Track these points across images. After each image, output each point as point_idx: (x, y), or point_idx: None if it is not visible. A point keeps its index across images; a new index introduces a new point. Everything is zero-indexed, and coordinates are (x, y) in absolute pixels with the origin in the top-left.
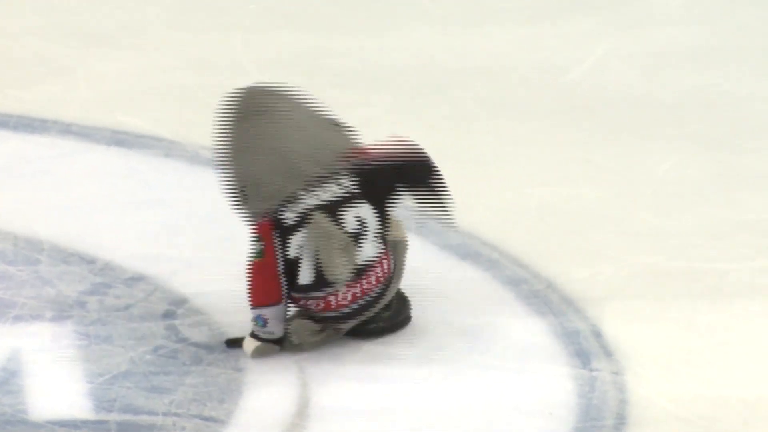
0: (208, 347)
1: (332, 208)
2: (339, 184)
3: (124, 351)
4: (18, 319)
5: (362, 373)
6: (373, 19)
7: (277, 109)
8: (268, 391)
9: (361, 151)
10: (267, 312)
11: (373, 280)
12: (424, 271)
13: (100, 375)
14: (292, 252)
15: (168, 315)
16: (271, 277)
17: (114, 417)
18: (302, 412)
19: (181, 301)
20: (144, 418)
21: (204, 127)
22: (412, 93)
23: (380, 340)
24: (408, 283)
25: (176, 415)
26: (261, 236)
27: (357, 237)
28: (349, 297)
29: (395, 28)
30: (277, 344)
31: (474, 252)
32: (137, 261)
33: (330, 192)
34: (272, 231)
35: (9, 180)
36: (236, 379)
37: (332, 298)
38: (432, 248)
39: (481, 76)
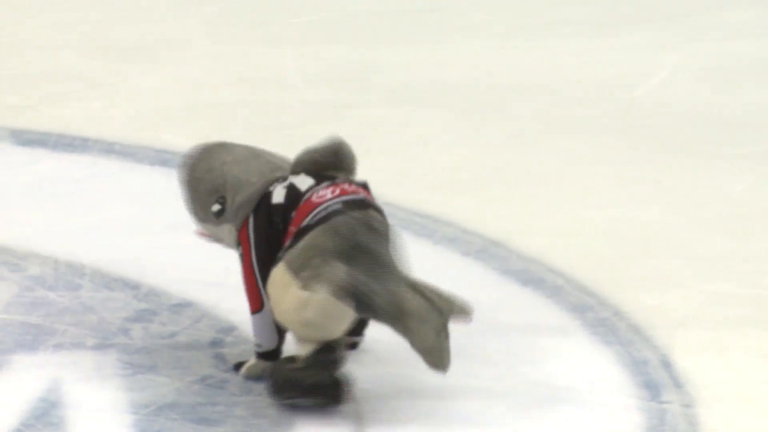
0: (258, 377)
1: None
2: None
3: (169, 381)
4: (59, 347)
5: (420, 406)
6: (427, 32)
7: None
8: (321, 424)
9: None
10: (252, 321)
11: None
12: (485, 297)
13: (144, 406)
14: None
15: (216, 343)
16: (250, 284)
17: None
18: None
19: (229, 329)
20: None
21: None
22: (470, 110)
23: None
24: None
25: None
26: (241, 242)
27: None
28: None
29: (450, 42)
30: (268, 359)
31: (537, 278)
32: (183, 286)
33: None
34: (248, 240)
35: (49, 201)
36: (287, 411)
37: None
38: (493, 274)
39: (542, 92)
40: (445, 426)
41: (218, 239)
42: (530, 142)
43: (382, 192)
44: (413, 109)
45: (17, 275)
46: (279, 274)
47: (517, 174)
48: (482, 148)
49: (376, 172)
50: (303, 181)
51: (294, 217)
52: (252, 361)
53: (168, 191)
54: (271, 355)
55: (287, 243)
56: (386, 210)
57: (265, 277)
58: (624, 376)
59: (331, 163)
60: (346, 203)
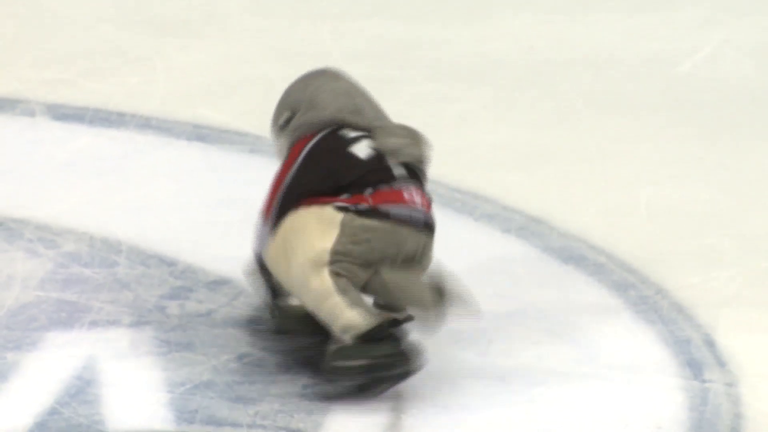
0: (296, 355)
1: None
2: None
3: (206, 359)
4: (94, 324)
5: (458, 384)
6: (470, 6)
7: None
8: (358, 403)
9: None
10: (257, 227)
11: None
12: (526, 275)
13: (181, 384)
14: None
15: (253, 321)
16: (272, 195)
17: (196, 429)
18: (394, 424)
19: (266, 306)
20: (227, 430)
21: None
22: (512, 86)
23: (478, 350)
24: (508, 289)
25: (262, 426)
26: (289, 154)
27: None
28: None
29: (493, 17)
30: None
31: (579, 255)
32: (220, 263)
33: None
34: (298, 155)
35: (85, 177)
36: (325, 390)
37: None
38: (533, 251)
39: (586, 68)
40: (488, 404)
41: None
42: (573, 118)
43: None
44: (455, 85)
45: (52, 252)
46: (319, 248)
47: (559, 151)
48: (524, 125)
49: None
50: (397, 168)
51: (377, 191)
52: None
53: (205, 167)
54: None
55: (358, 205)
56: (427, 186)
57: (289, 198)
58: (666, 355)
59: (420, 161)
60: (426, 220)
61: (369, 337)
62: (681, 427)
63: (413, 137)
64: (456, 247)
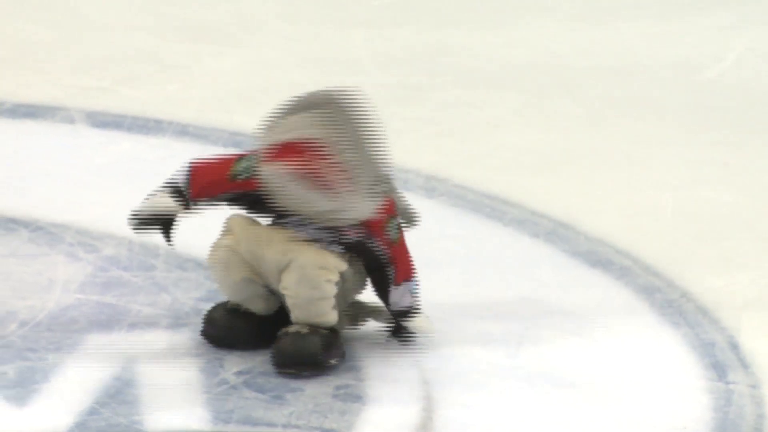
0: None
1: None
2: None
3: (241, 360)
4: (133, 327)
5: (487, 386)
6: (498, 14)
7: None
8: (391, 404)
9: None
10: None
11: None
12: (554, 279)
13: (217, 385)
14: None
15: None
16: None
17: (232, 428)
18: (426, 425)
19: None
20: (263, 430)
21: None
22: (539, 92)
23: (507, 351)
24: (537, 292)
25: (296, 426)
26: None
27: None
28: None
29: (520, 24)
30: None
31: (605, 259)
32: None
33: None
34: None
35: (124, 182)
36: (358, 390)
37: None
38: (561, 255)
39: (612, 74)
40: (517, 404)
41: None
42: (599, 123)
43: (452, 174)
44: (483, 91)
45: (92, 256)
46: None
47: (586, 155)
48: (551, 130)
49: (447, 154)
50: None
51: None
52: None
53: None
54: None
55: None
56: (456, 192)
57: None
58: (691, 357)
59: None
60: None
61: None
62: (705, 428)
63: None
64: (485, 252)
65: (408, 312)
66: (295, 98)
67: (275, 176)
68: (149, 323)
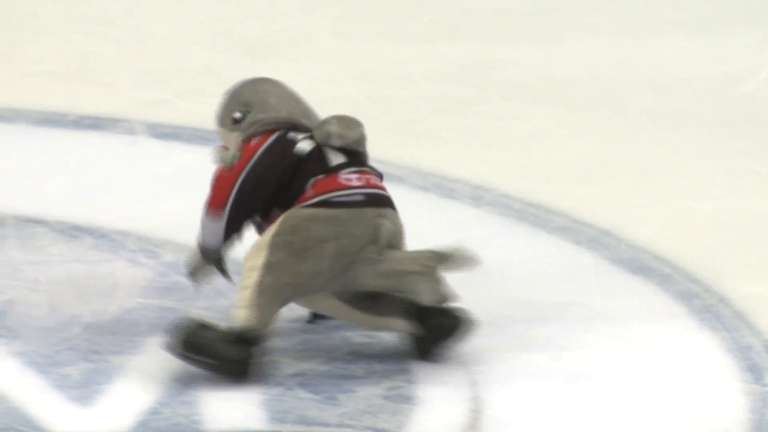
0: (381, 359)
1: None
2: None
3: (297, 362)
4: None
5: (534, 388)
6: (543, 30)
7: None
8: (440, 404)
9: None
10: (206, 222)
11: (379, 183)
12: (596, 285)
13: (274, 386)
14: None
15: (343, 327)
16: (224, 186)
17: (287, 428)
18: (473, 425)
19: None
20: (317, 429)
21: (374, 138)
22: (582, 105)
23: (551, 355)
24: (580, 298)
25: (349, 426)
26: (243, 151)
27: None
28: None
29: (564, 40)
30: (210, 259)
31: (646, 266)
32: None
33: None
34: (254, 153)
35: (183, 191)
36: (409, 391)
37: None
38: (603, 262)
39: (651, 88)
40: (560, 406)
41: (225, 145)
42: (639, 135)
43: (498, 183)
44: (529, 104)
45: (153, 261)
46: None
47: (626, 166)
48: (593, 142)
49: (494, 165)
50: (335, 156)
51: (315, 182)
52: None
53: None
54: (213, 254)
55: (304, 202)
56: (502, 201)
57: (244, 196)
58: (729, 361)
59: (357, 142)
60: (368, 197)
61: (245, 336)
62: (742, 429)
63: (345, 122)
64: (530, 258)
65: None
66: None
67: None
68: None
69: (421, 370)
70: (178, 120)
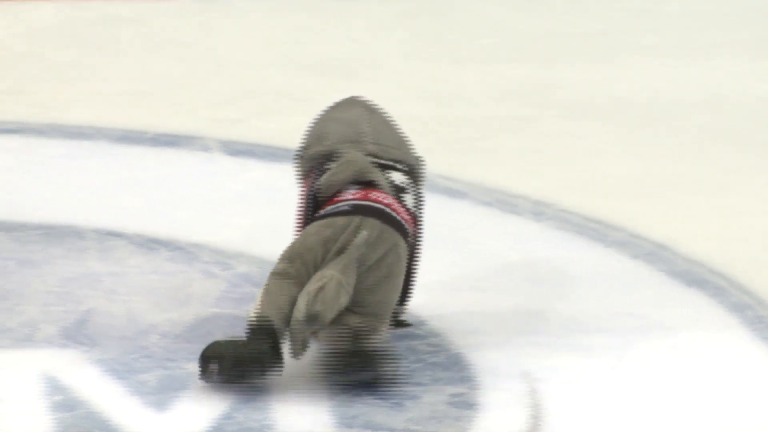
0: (445, 367)
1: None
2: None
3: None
4: None
5: (592, 394)
6: (600, 52)
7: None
8: (501, 411)
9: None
10: None
11: (381, 198)
12: (653, 296)
13: (342, 392)
14: None
15: (406, 336)
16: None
17: None
18: (533, 430)
19: (419, 323)
20: None
21: (438, 155)
22: (638, 124)
23: (610, 362)
24: (635, 308)
25: (414, 431)
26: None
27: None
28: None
29: (622, 61)
30: None
31: (701, 279)
32: None
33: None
34: (307, 195)
35: (256, 206)
36: (471, 398)
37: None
38: (659, 275)
39: (706, 108)
40: (619, 412)
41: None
42: (694, 153)
43: (558, 199)
44: (586, 122)
45: (227, 273)
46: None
47: (681, 182)
48: (649, 159)
49: (553, 181)
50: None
51: (323, 206)
52: None
53: None
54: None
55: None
56: (562, 216)
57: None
58: None
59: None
60: (355, 207)
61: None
62: None
63: (342, 164)
64: (589, 271)
65: None
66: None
67: None
68: None
69: (484, 378)
70: (251, 138)
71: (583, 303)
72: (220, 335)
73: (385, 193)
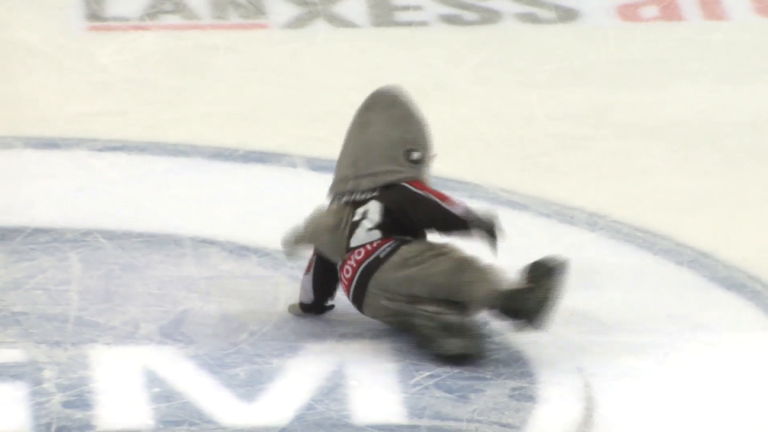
0: (506, 363)
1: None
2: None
3: (434, 366)
4: (343, 337)
5: (640, 389)
6: (652, 76)
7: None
8: (558, 403)
9: (417, 182)
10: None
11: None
12: (696, 300)
13: (413, 386)
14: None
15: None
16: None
17: (424, 422)
18: (587, 422)
19: (484, 322)
20: (450, 424)
21: (501, 172)
22: (686, 143)
23: (656, 360)
24: (679, 310)
25: (478, 421)
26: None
27: (355, 224)
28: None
29: (672, 85)
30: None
31: (739, 284)
32: None
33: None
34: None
35: None
36: (530, 391)
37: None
38: (702, 280)
39: (748, 128)
40: (665, 408)
41: None
42: (737, 170)
43: (610, 211)
44: (639, 141)
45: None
46: None
47: (724, 197)
48: (695, 175)
49: (607, 195)
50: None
51: None
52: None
53: None
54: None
55: None
56: (614, 226)
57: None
58: None
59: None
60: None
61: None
62: None
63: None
64: (638, 276)
65: None
66: None
67: None
68: (356, 334)
69: (542, 373)
70: (333, 155)
71: (632, 305)
72: (303, 334)
73: None
